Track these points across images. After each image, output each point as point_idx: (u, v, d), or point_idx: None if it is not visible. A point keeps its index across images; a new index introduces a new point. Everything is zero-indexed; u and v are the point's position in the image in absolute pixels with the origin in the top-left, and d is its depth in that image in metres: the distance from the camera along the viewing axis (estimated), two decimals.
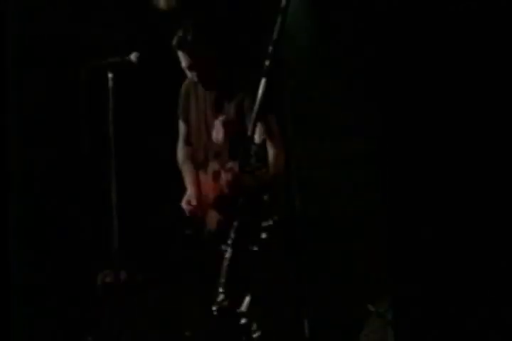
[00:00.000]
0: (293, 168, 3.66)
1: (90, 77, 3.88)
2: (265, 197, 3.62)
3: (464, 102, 3.72)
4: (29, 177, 5.17)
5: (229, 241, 3.49)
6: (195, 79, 3.78)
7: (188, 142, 4.00)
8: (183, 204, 3.77)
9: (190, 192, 3.81)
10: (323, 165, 4.77)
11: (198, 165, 3.84)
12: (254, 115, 3.29)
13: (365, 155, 4.56)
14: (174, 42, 3.74)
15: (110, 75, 3.92)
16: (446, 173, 3.66)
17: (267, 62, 3.16)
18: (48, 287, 5.11)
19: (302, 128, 4.92)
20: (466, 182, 3.64)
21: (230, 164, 3.54)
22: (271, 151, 3.60)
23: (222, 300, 3.44)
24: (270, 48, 3.18)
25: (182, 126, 4.02)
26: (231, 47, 3.92)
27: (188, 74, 3.82)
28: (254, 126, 2.97)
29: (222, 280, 3.46)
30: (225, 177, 3.51)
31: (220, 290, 3.47)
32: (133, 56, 3.95)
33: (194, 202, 3.73)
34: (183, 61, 3.77)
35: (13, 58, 5.19)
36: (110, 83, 3.91)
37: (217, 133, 3.77)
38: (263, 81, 3.26)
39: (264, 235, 3.58)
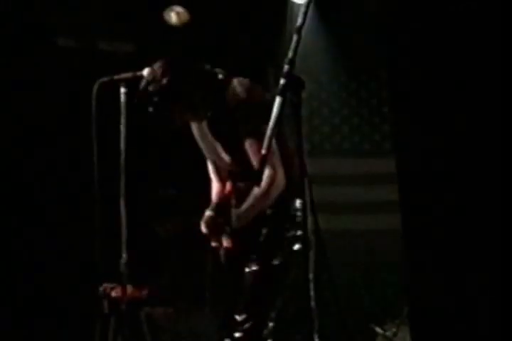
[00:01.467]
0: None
1: (103, 91, 3.85)
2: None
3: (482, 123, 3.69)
4: (37, 187, 5.20)
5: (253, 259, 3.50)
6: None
7: (217, 178, 3.88)
8: (203, 227, 3.66)
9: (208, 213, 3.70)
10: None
11: None
12: (269, 134, 3.26)
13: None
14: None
15: (123, 90, 3.88)
16: (464, 197, 3.63)
17: (282, 81, 3.14)
18: (53, 302, 5.12)
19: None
20: (485, 205, 3.60)
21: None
22: (266, 172, 3.45)
23: (244, 322, 3.42)
24: (286, 67, 3.15)
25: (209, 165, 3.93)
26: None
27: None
28: (269, 147, 2.90)
29: (245, 299, 3.44)
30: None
31: (242, 310, 3.46)
32: (145, 72, 3.92)
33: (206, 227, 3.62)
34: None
35: None
36: (123, 98, 3.86)
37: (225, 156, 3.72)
38: (278, 99, 3.24)
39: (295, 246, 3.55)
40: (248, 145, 3.50)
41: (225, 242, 3.56)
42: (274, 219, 3.58)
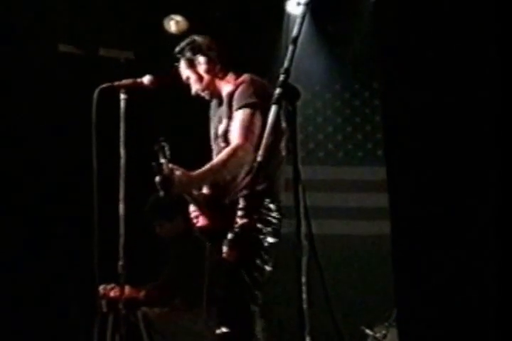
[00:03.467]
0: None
1: (103, 97, 3.92)
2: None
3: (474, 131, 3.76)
4: (38, 191, 5.25)
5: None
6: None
7: None
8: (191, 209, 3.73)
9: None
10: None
11: None
12: (265, 142, 3.35)
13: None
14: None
15: (123, 96, 3.94)
16: (454, 204, 3.71)
17: (277, 90, 3.22)
18: (52, 301, 5.18)
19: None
20: (474, 207, 3.67)
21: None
22: (230, 145, 3.53)
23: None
24: (282, 76, 3.24)
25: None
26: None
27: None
28: (265, 155, 2.99)
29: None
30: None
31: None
32: (146, 79, 3.99)
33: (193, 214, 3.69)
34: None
35: None
36: (122, 104, 3.92)
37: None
38: (273, 108, 3.33)
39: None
40: (239, 114, 3.53)
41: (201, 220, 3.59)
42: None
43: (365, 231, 5.28)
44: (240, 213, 3.54)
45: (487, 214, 3.58)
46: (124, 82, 3.98)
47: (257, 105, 3.56)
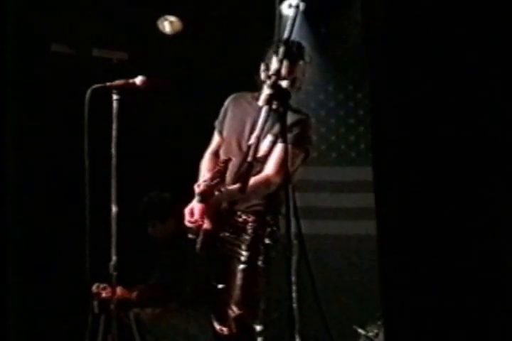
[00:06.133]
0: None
1: (95, 98, 3.99)
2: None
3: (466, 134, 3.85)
4: (28, 191, 5.33)
5: (242, 259, 3.76)
6: (273, 88, 3.58)
7: (216, 154, 4.09)
8: (186, 212, 3.85)
9: (194, 203, 3.85)
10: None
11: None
12: (253, 140, 3.49)
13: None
14: (280, 50, 3.54)
15: (115, 97, 4.03)
16: (442, 206, 3.79)
17: (268, 91, 3.33)
18: (43, 302, 5.25)
19: None
20: (466, 213, 3.75)
21: (206, 175, 3.75)
22: (264, 172, 3.75)
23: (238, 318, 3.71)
24: (272, 77, 3.36)
25: (216, 138, 4.11)
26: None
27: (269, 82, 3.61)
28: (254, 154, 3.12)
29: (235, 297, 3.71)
30: (197, 189, 3.70)
31: (234, 307, 3.72)
32: (138, 79, 4.08)
33: (197, 214, 3.80)
34: (279, 68, 3.52)
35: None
36: (115, 105, 4.01)
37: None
38: (264, 109, 3.45)
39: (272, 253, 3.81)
40: (279, 148, 3.70)
41: (206, 224, 3.78)
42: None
43: (357, 231, 5.37)
44: (252, 224, 3.81)
45: (475, 213, 3.68)
46: (117, 82, 4.04)
47: (307, 151, 3.90)
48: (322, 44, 5.50)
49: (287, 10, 5.42)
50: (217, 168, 3.67)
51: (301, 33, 5.16)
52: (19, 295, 5.11)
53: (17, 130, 5.23)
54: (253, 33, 5.45)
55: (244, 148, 3.80)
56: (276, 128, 3.72)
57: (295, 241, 3.22)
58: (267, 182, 3.75)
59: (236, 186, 3.60)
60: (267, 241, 3.81)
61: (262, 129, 3.53)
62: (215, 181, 3.63)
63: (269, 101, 3.37)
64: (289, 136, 3.58)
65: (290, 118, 3.63)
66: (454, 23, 3.86)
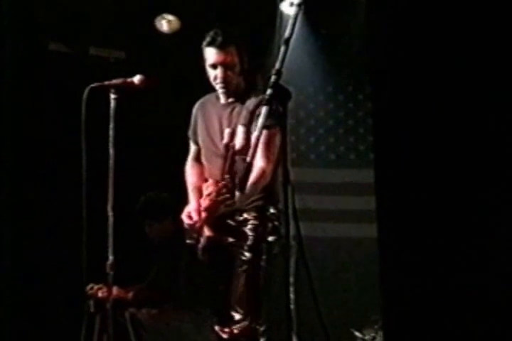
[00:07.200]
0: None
1: (93, 97, 4.01)
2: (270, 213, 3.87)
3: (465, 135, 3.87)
4: (25, 188, 5.35)
5: (244, 259, 3.78)
6: (219, 79, 3.92)
7: (197, 159, 4.17)
8: (184, 217, 3.91)
9: (192, 205, 3.94)
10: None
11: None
12: (254, 142, 3.51)
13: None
14: (206, 40, 3.90)
15: (113, 96, 4.04)
16: (443, 208, 3.82)
17: (268, 91, 3.35)
18: (39, 301, 5.27)
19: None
20: (466, 215, 3.78)
21: (209, 189, 3.77)
22: (256, 166, 3.73)
23: (241, 320, 3.71)
24: (273, 77, 3.38)
25: (192, 147, 4.22)
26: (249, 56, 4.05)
27: (211, 74, 3.95)
28: (255, 151, 3.14)
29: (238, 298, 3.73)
30: (203, 203, 3.77)
31: (237, 309, 3.74)
32: (136, 78, 4.10)
33: (195, 217, 3.85)
34: (212, 58, 3.90)
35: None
36: (112, 104, 4.01)
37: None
38: (264, 109, 3.47)
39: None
40: (264, 135, 3.66)
41: (207, 231, 3.80)
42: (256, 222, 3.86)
43: (356, 234, 5.39)
44: (252, 222, 3.85)
45: (476, 216, 3.71)
46: (115, 81, 4.04)
47: (282, 127, 3.74)
48: (322, 44, 5.52)
49: (288, 8, 5.47)
50: (223, 182, 3.70)
51: (301, 32, 5.20)
52: (14, 295, 5.15)
53: (14, 129, 5.26)
54: (253, 32, 5.48)
55: (222, 149, 3.87)
56: (243, 117, 3.82)
57: (293, 243, 3.24)
58: (263, 174, 3.75)
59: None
60: (269, 238, 3.84)
61: (262, 129, 3.56)
62: (223, 197, 3.67)
63: (269, 101, 3.38)
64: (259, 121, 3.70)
65: (253, 102, 3.82)
66: (457, 25, 3.89)
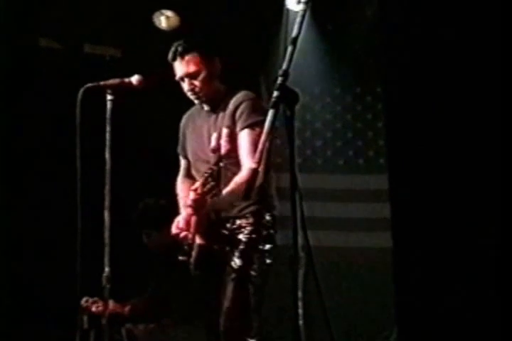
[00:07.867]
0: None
1: (89, 98, 3.91)
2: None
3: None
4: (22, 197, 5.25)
5: (233, 265, 3.71)
6: (188, 92, 3.93)
7: (188, 175, 4.13)
8: (173, 228, 3.84)
9: (180, 216, 3.88)
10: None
11: None
12: (261, 147, 3.37)
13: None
14: (169, 56, 3.93)
15: (109, 97, 3.94)
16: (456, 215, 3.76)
17: (275, 94, 3.23)
18: (30, 315, 5.16)
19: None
20: (478, 218, 3.72)
21: (196, 184, 3.67)
22: (243, 168, 3.70)
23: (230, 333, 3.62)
24: (279, 79, 3.25)
25: (183, 163, 4.20)
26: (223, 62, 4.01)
27: (183, 87, 3.94)
28: (260, 159, 3.01)
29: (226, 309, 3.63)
30: (190, 196, 3.68)
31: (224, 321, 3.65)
32: (134, 79, 3.99)
33: (181, 224, 3.78)
34: (177, 72, 3.93)
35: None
36: (109, 105, 3.92)
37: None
38: (271, 112, 3.34)
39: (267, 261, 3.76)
40: (243, 138, 3.72)
41: (199, 240, 3.74)
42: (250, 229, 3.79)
43: (367, 242, 5.28)
44: (247, 228, 3.78)
45: (491, 225, 3.63)
46: (111, 81, 3.99)
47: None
48: (329, 44, 5.43)
49: (295, 5, 5.38)
50: (209, 171, 3.63)
51: (308, 32, 5.11)
52: (6, 308, 5.05)
53: (4, 129, 5.16)
54: (254, 29, 5.40)
55: (212, 156, 3.85)
56: (227, 120, 3.83)
57: (302, 254, 3.11)
58: (253, 174, 3.64)
59: (229, 189, 3.65)
60: (262, 246, 3.77)
61: (269, 134, 3.45)
62: (209, 186, 3.58)
63: (275, 104, 3.26)
64: (240, 121, 3.75)
65: (233, 103, 3.84)
66: (469, 25, 3.83)
